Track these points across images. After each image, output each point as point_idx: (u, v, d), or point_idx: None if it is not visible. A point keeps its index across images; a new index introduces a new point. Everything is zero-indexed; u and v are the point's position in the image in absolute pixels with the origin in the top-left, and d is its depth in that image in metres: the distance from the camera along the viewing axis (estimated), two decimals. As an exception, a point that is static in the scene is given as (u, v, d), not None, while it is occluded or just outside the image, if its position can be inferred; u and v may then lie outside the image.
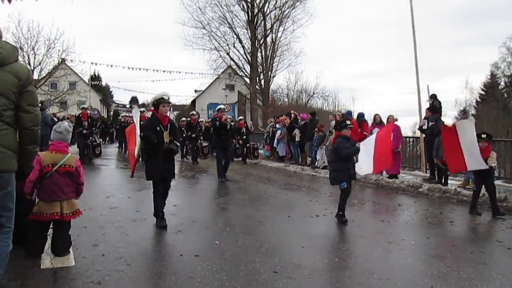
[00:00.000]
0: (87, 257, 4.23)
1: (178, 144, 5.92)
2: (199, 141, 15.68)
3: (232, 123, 12.06)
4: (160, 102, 5.67)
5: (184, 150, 16.26)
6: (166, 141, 5.70)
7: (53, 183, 4.16)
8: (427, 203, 8.19)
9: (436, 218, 6.77)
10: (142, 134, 5.60)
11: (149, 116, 6.20)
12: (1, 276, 2.85)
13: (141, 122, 14.92)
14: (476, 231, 6.02)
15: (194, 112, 17.68)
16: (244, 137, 15.60)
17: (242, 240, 5.04)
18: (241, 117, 17.47)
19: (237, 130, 14.95)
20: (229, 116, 15.08)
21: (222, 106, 11.78)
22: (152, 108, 5.94)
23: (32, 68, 28.65)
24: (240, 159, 15.65)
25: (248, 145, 15.92)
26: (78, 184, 4.42)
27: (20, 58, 22.29)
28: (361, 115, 12.49)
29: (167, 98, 5.74)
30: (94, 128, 14.88)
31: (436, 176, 10.26)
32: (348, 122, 6.50)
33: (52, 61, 29.84)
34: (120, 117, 24.90)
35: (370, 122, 12.86)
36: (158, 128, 5.64)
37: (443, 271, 4.15)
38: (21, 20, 28.25)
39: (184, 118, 18.40)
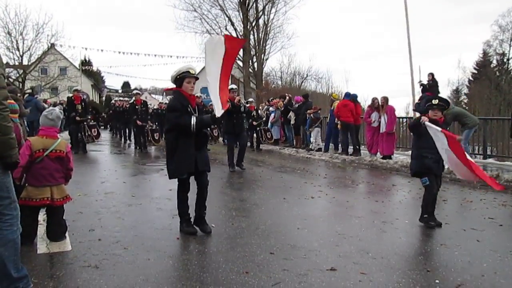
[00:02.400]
0: (83, 242, 4.25)
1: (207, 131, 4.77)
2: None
3: (248, 105, 11.12)
4: (185, 77, 4.50)
5: None
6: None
7: (44, 168, 4.13)
8: (421, 183, 8.24)
9: (429, 197, 6.83)
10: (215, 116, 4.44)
11: (171, 96, 4.91)
12: (17, 262, 2.86)
13: (137, 107, 13.76)
14: (468, 209, 6.10)
15: (198, 95, 16.33)
16: (254, 122, 14.42)
17: (238, 223, 5.07)
18: (250, 99, 16.29)
19: (248, 114, 14.43)
20: (248, 99, 14.28)
21: (234, 86, 10.02)
22: (174, 86, 4.66)
23: (21, 53, 28.24)
24: (249, 145, 14.43)
25: (258, 128, 14.71)
26: (68, 170, 4.41)
27: (8, 43, 21.39)
28: (354, 97, 12.47)
29: (193, 72, 4.56)
30: (88, 114, 13.50)
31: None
32: (434, 101, 5.04)
33: (41, 46, 29.41)
34: (113, 102, 24.12)
35: (362, 103, 12.91)
36: (188, 109, 4.51)
37: (436, 248, 4.22)
38: (8, 4, 27.74)
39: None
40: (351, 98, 12.28)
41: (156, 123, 15.12)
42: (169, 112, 4.58)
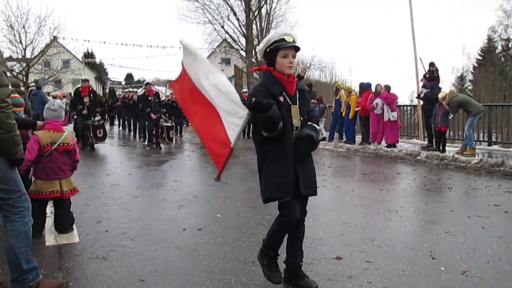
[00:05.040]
0: (91, 234, 4.29)
1: (318, 127, 3.10)
2: None
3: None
4: (278, 48, 2.86)
5: None
6: (295, 125, 2.93)
7: (52, 161, 4.17)
8: (425, 171, 8.26)
9: (434, 185, 6.84)
10: (254, 102, 2.66)
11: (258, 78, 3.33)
12: (28, 253, 2.89)
13: (150, 98, 12.15)
14: (473, 196, 6.09)
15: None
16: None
17: (244, 213, 5.10)
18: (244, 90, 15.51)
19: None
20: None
21: None
22: (264, 65, 3.06)
23: (24, 46, 28.30)
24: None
25: None
26: (74, 162, 4.46)
27: (11, 37, 21.39)
28: (368, 85, 12.26)
29: (290, 39, 2.87)
30: (97, 107, 12.16)
31: (434, 143, 10.33)
32: None
33: (44, 39, 29.48)
34: (121, 93, 23.52)
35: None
36: (281, 98, 2.88)
37: (441, 236, 4.23)
38: (10, -3, 27.73)
39: None
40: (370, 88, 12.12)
41: (172, 117, 13.87)
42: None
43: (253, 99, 2.65)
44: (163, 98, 18.05)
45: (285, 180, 2.90)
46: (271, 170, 2.92)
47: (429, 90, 10.49)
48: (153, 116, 12.11)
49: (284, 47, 2.85)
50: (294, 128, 2.92)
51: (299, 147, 2.92)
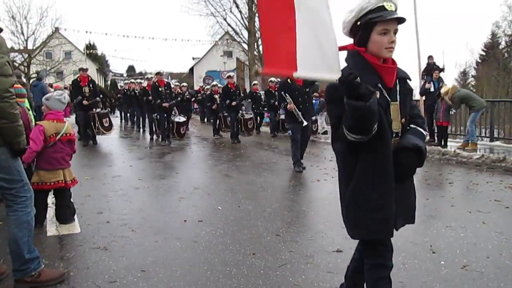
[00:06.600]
0: (92, 224, 4.31)
1: (424, 132, 2.27)
2: (240, 112, 12.31)
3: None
4: (374, 21, 1.99)
5: (217, 124, 13.10)
6: (395, 130, 2.11)
7: (56, 151, 4.20)
8: (427, 165, 8.24)
9: (435, 180, 6.84)
10: (350, 78, 1.75)
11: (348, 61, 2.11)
12: (30, 243, 2.91)
13: (160, 89, 10.85)
14: (474, 192, 6.09)
15: (231, 74, 13.20)
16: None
17: (245, 205, 5.11)
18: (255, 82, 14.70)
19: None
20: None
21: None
22: (347, 44, 2.12)
23: (26, 37, 28.30)
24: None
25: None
26: (73, 152, 4.49)
27: (13, 28, 21.40)
28: None
29: (393, 8, 2.01)
30: (98, 97, 11.24)
31: (436, 138, 10.32)
32: None
33: (45, 30, 29.52)
34: (122, 85, 22.81)
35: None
36: (379, 90, 2.04)
37: (442, 230, 4.23)
38: (11, -12, 27.69)
39: (215, 83, 14.31)
40: None
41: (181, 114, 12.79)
42: (331, 103, 2.07)
43: (351, 74, 1.76)
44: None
45: (387, 215, 2.17)
46: (364, 198, 2.11)
47: (442, 83, 10.58)
48: (164, 104, 10.98)
49: (384, 20, 1.98)
50: (393, 135, 2.10)
51: (402, 163, 2.11)
